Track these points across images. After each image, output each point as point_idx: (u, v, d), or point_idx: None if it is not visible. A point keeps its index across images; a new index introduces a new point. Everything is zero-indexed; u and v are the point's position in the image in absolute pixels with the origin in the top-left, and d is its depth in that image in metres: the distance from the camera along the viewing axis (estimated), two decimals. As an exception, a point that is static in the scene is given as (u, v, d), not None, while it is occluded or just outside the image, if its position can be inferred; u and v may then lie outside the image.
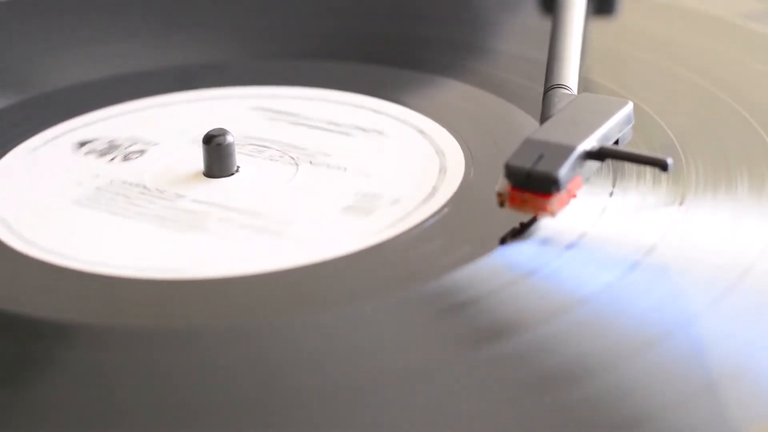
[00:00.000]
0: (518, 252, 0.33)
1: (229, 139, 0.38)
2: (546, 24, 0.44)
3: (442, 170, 0.38)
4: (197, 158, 0.39)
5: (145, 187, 0.38)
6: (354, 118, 0.42)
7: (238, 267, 0.34)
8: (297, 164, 0.39)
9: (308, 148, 0.40)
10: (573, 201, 0.34)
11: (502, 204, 0.34)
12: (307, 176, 0.38)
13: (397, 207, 0.36)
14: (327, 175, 0.38)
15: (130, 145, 0.41)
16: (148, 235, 0.35)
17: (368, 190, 0.37)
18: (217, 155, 0.38)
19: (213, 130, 0.38)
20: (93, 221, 0.37)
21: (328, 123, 0.41)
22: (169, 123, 0.42)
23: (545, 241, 0.34)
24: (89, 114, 0.43)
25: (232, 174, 0.38)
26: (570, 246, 0.33)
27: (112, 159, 0.40)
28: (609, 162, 0.36)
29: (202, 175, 0.38)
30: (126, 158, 0.40)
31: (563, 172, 0.33)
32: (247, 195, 0.37)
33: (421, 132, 0.40)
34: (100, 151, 0.41)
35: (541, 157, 0.33)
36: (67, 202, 0.38)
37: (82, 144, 0.41)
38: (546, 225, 0.34)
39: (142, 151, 0.40)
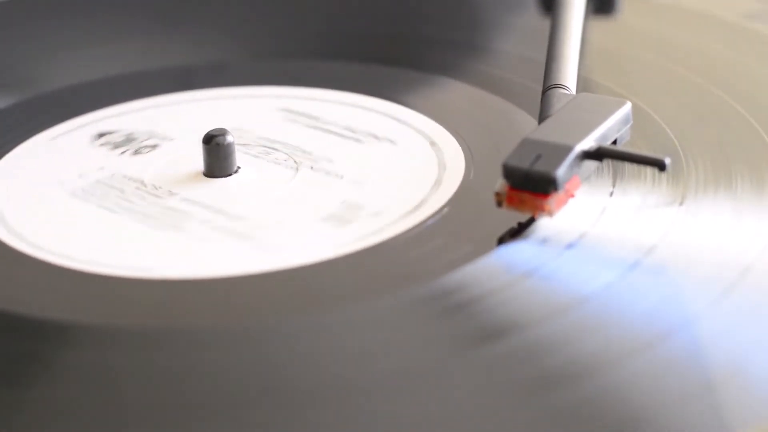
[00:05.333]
0: (517, 252, 0.33)
1: (229, 139, 0.38)
2: (546, 24, 0.44)
3: (437, 183, 0.38)
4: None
5: (143, 183, 0.38)
6: (366, 125, 0.42)
7: (204, 269, 0.34)
8: (297, 168, 0.39)
9: (314, 152, 0.40)
10: (571, 201, 0.34)
11: (500, 204, 0.34)
12: (302, 181, 0.38)
13: (378, 218, 0.36)
14: (322, 181, 0.38)
15: (146, 139, 0.41)
16: (123, 231, 0.36)
17: (354, 200, 0.37)
18: (216, 155, 0.38)
19: (213, 130, 0.38)
20: (83, 215, 0.37)
21: (344, 128, 0.41)
22: (191, 119, 0.43)
23: (545, 241, 0.34)
24: (115, 106, 0.44)
25: (231, 174, 0.38)
26: (570, 246, 0.33)
27: (123, 152, 0.40)
28: (609, 162, 0.36)
29: (202, 175, 0.39)
30: (136, 152, 0.40)
31: (561, 172, 0.33)
32: (234, 197, 0.37)
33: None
34: (115, 143, 0.41)
35: (538, 157, 0.33)
36: (65, 194, 0.38)
37: (101, 135, 0.42)
38: (546, 225, 0.34)
39: (154, 146, 0.41)
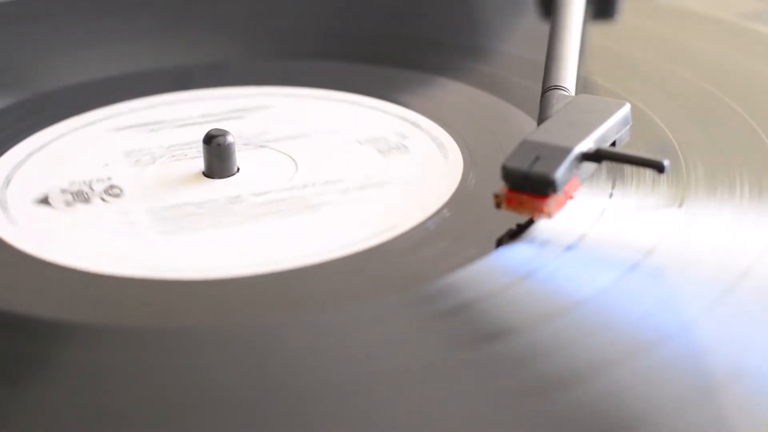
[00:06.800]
0: (516, 254, 0.33)
1: (230, 139, 0.38)
2: (546, 26, 0.44)
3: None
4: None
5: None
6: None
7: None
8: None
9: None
10: (570, 203, 0.34)
11: (498, 205, 0.34)
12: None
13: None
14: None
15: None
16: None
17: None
18: (217, 155, 0.38)
19: (213, 130, 0.38)
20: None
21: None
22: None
23: (544, 243, 0.34)
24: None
25: (232, 175, 0.38)
26: (569, 248, 0.33)
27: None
28: (609, 163, 0.36)
29: (202, 175, 0.39)
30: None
31: (560, 173, 0.33)
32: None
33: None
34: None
35: (537, 158, 0.33)
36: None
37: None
38: (545, 227, 0.34)
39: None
